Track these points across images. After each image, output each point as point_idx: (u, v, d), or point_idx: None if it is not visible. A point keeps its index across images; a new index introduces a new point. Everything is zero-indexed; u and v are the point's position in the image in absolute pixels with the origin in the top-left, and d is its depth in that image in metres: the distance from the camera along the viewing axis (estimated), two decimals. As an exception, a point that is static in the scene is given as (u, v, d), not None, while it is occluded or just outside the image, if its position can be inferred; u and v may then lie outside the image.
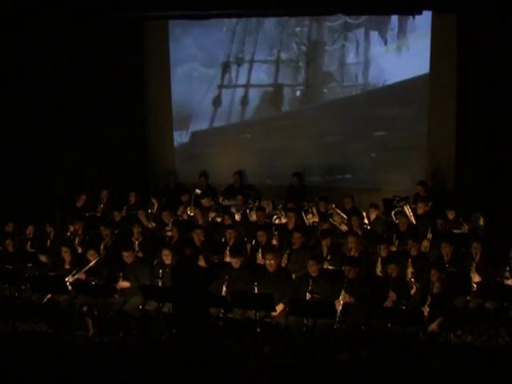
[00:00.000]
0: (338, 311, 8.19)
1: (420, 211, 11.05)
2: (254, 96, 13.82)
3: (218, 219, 11.57)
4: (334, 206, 11.40)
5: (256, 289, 8.57)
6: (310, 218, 11.41)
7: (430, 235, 10.06)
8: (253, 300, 8.39)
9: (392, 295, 8.48)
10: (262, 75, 13.75)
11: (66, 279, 9.12)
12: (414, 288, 8.61)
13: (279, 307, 8.52)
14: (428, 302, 8.12)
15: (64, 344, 9.01)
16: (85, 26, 12.74)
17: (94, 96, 13.28)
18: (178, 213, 11.79)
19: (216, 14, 12.63)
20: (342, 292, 8.37)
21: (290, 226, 10.69)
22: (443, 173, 12.64)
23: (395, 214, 11.08)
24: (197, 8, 12.06)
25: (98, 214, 12.11)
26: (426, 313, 8.02)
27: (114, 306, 9.03)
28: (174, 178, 13.49)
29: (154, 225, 11.41)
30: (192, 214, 11.66)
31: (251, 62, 13.73)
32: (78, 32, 12.80)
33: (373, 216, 11.10)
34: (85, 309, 9.19)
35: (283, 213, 11.46)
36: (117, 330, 9.10)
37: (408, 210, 11.11)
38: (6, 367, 8.40)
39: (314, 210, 11.50)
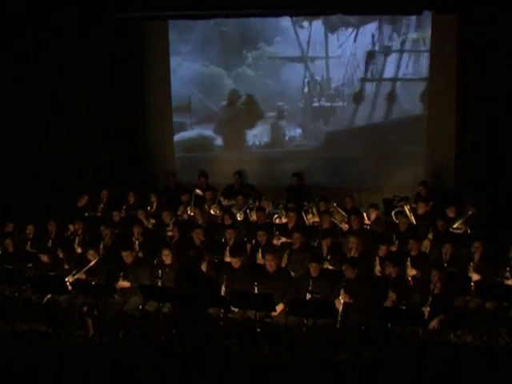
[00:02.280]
0: (340, 310, 8.19)
1: (420, 211, 11.04)
2: (402, 91, 12.96)
3: (218, 216, 11.61)
4: (335, 204, 11.41)
5: (256, 289, 8.58)
6: (310, 218, 11.42)
7: (430, 235, 10.06)
8: (253, 300, 8.39)
9: (392, 295, 8.49)
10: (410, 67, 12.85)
11: (66, 279, 9.12)
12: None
13: (279, 307, 8.52)
14: (428, 302, 8.13)
15: (64, 344, 9.01)
16: (85, 26, 12.74)
17: (93, 96, 13.28)
18: (179, 213, 11.79)
19: (216, 14, 12.62)
20: (342, 291, 8.37)
21: (290, 225, 10.69)
22: (443, 173, 12.63)
23: (395, 214, 11.07)
24: (197, 8, 12.05)
25: (98, 214, 12.10)
26: (426, 313, 8.03)
27: (113, 305, 9.04)
28: (173, 178, 13.48)
29: (153, 221, 11.43)
30: (192, 214, 11.66)
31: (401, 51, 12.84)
32: (78, 32, 12.80)
33: (373, 216, 11.10)
34: (85, 309, 9.18)
35: (284, 212, 11.47)
36: (117, 330, 9.09)
37: (408, 210, 11.11)
38: (6, 367, 8.39)
39: (315, 210, 11.50)
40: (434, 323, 8.06)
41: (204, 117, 14.02)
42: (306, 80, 13.43)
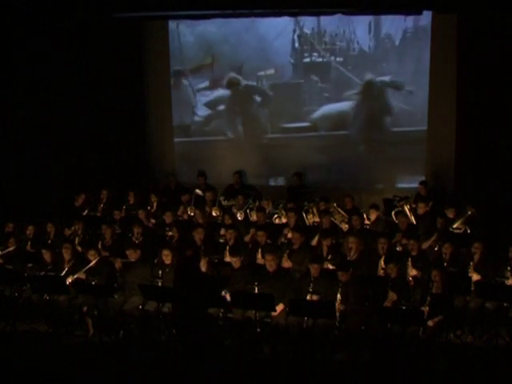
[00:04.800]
0: (337, 316, 8.20)
1: (420, 211, 11.04)
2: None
3: (218, 216, 11.62)
4: (335, 204, 11.40)
5: (256, 289, 8.57)
6: (311, 218, 11.42)
7: (435, 236, 10.01)
8: (253, 300, 8.39)
9: (392, 295, 8.48)
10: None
11: (66, 277, 9.13)
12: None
13: (279, 307, 8.52)
14: (428, 302, 8.12)
15: (64, 344, 9.01)
16: (85, 26, 12.74)
17: (94, 96, 13.28)
18: (179, 213, 11.80)
19: (216, 14, 12.63)
20: (338, 296, 8.37)
21: (291, 225, 10.68)
22: (443, 173, 12.64)
23: (395, 214, 11.07)
24: (197, 8, 12.06)
25: (98, 214, 12.11)
26: (426, 313, 8.02)
27: (114, 305, 9.04)
28: (174, 178, 13.48)
29: (153, 221, 11.44)
30: (192, 214, 11.66)
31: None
32: (78, 32, 12.80)
33: (373, 217, 11.10)
34: (85, 309, 9.18)
35: (283, 212, 11.47)
36: (117, 330, 9.10)
37: (408, 210, 11.11)
38: (6, 367, 8.39)
39: (315, 210, 11.49)
40: (430, 322, 8.05)
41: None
42: (296, 34, 13.02)
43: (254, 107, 13.48)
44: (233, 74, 13.34)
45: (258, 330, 8.37)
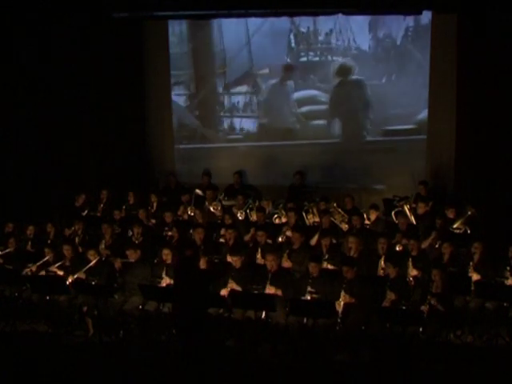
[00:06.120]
0: (339, 312, 8.19)
1: (420, 211, 11.04)
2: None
3: (218, 216, 11.61)
4: (335, 204, 11.40)
5: (267, 287, 8.59)
6: (311, 218, 11.42)
7: (433, 235, 10.03)
8: (253, 300, 8.39)
9: (390, 295, 8.48)
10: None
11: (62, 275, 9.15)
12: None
13: (271, 290, 8.55)
14: (427, 301, 8.12)
15: (64, 344, 9.01)
16: (85, 26, 12.74)
17: (94, 96, 13.28)
18: (179, 213, 11.80)
19: (216, 15, 12.63)
20: (342, 293, 8.36)
21: (291, 225, 10.67)
22: (443, 173, 12.63)
23: (395, 214, 11.08)
24: (197, 8, 12.05)
25: (98, 214, 12.11)
26: (425, 311, 8.02)
27: (114, 305, 9.04)
28: (174, 178, 13.48)
29: (153, 221, 11.44)
30: (192, 214, 11.66)
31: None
32: (78, 32, 12.80)
33: (373, 217, 11.10)
34: (85, 309, 9.18)
35: (283, 212, 11.47)
36: (117, 330, 9.09)
37: (408, 210, 11.11)
38: (6, 367, 8.39)
39: (315, 210, 11.49)
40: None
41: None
42: (293, 33, 12.88)
43: (353, 107, 12.96)
44: (346, 60, 12.60)
45: (263, 316, 8.32)
